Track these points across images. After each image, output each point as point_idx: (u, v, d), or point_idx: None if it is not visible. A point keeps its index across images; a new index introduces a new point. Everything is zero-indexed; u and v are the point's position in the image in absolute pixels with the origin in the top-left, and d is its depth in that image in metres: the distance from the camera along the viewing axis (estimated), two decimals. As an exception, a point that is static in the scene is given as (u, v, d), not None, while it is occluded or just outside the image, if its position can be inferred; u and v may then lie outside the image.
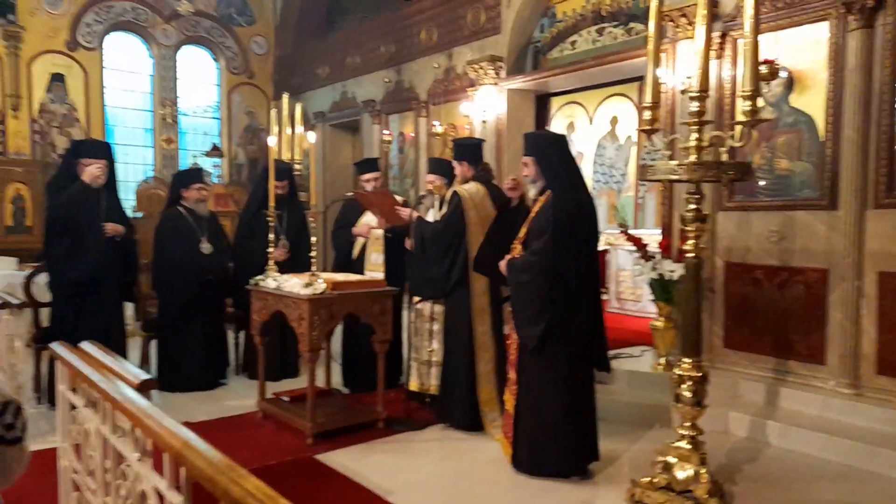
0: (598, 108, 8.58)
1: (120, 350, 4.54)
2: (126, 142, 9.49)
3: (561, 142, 3.61)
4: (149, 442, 1.89)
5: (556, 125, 8.13)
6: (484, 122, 6.74)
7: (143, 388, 2.18)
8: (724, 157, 3.33)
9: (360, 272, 5.12)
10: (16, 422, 0.86)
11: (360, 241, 5.31)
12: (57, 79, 8.68)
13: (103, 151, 4.74)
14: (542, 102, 6.98)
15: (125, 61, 9.48)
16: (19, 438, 0.85)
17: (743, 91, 3.01)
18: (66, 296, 4.51)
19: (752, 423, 4.30)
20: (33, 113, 8.52)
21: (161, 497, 1.75)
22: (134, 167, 9.51)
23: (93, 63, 8.97)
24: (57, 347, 2.65)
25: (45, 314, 4.84)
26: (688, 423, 3.41)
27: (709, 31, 3.16)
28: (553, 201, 3.34)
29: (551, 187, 3.38)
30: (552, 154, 3.46)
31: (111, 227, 4.60)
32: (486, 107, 6.71)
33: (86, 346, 2.66)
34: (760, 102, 3.09)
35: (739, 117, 3.15)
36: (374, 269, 5.14)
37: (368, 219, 5.23)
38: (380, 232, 5.12)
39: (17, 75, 8.38)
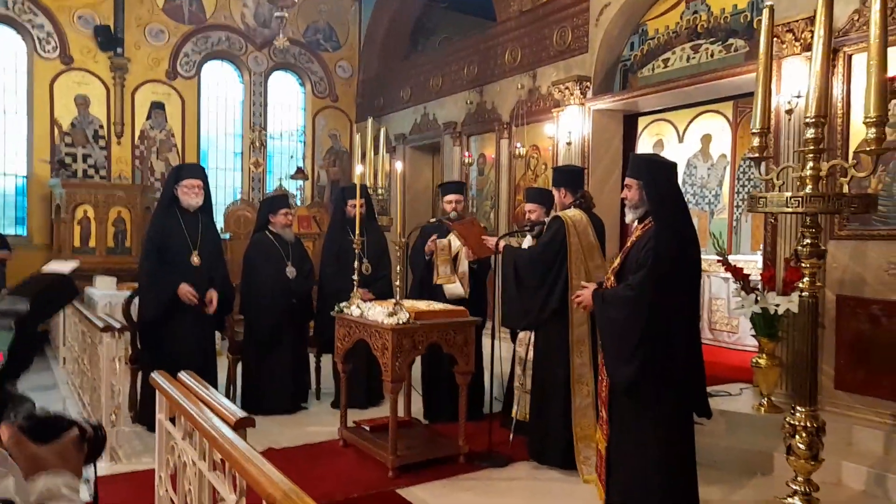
0: (689, 126, 8.22)
1: (210, 376, 4.67)
2: (217, 165, 9.93)
3: (673, 170, 3.39)
4: (243, 480, 1.88)
5: (644, 144, 7.85)
6: (568, 143, 6.58)
7: (239, 425, 2.18)
8: (841, 184, 3.05)
9: (440, 292, 5.08)
10: None
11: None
12: (157, 106, 9.20)
13: (199, 172, 4.96)
14: (629, 122, 6.75)
15: (219, 88, 9.94)
16: None
17: (868, 117, 2.74)
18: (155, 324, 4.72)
19: (870, 475, 3.90)
20: (135, 139, 9.06)
21: (258, 543, 1.72)
22: (224, 190, 9.92)
23: (190, 90, 9.47)
24: (157, 377, 2.72)
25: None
26: (801, 478, 3.13)
27: (826, 52, 2.91)
28: (656, 233, 3.13)
29: (656, 217, 3.17)
30: (662, 181, 3.24)
31: (209, 302, 4.77)
32: (570, 128, 6.56)
33: (184, 377, 2.71)
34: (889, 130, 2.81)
35: (858, 141, 2.87)
36: (443, 280, 5.09)
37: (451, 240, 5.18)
38: (444, 242, 5.07)
39: (122, 104, 8.94)
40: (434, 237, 5.15)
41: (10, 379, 1.71)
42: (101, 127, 8.85)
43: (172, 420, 2.62)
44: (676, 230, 3.14)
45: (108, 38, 8.75)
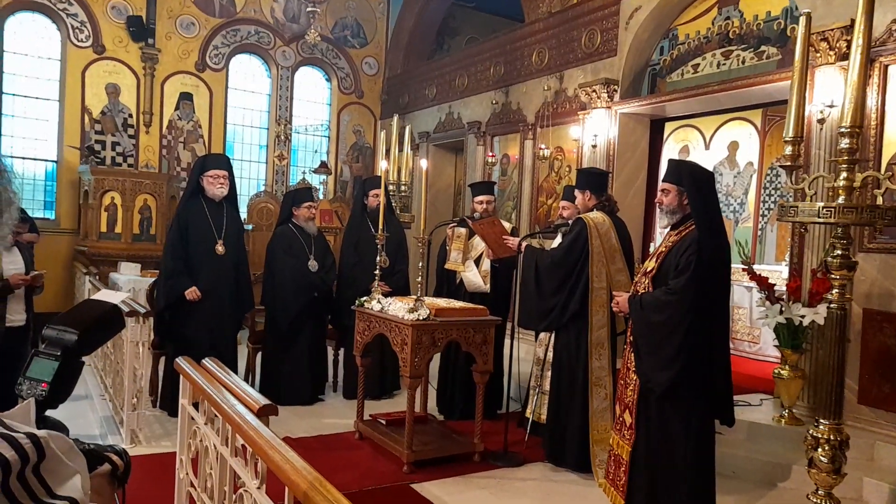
0: (716, 133, 8.12)
1: (230, 365, 4.72)
2: (242, 157, 10.02)
3: (713, 178, 3.39)
4: (264, 466, 1.89)
5: (670, 149, 7.78)
6: (594, 146, 6.55)
7: (262, 413, 2.20)
8: (874, 196, 3.00)
9: (461, 292, 5.09)
10: None
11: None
12: (185, 97, 9.31)
13: (225, 163, 5.01)
14: (656, 127, 6.69)
15: (246, 81, 10.04)
16: None
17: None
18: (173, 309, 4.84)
19: (892, 492, 3.84)
20: (163, 129, 9.19)
21: (279, 531, 1.74)
22: (248, 181, 10.01)
23: (218, 83, 9.57)
24: (182, 363, 2.75)
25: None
26: (822, 492, 3.09)
27: (864, 61, 2.86)
28: (699, 239, 3.11)
29: (699, 223, 3.15)
30: (705, 189, 3.22)
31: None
32: (596, 130, 6.52)
33: (208, 363, 2.74)
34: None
35: (891, 153, 2.82)
36: (452, 265, 5.14)
37: (475, 243, 5.20)
38: (461, 230, 5.09)
39: (152, 94, 9.07)
40: (453, 225, 5.21)
41: (50, 407, 1.75)
42: (131, 116, 8.97)
43: (195, 405, 2.65)
44: (716, 239, 3.14)
45: (140, 29, 8.87)
